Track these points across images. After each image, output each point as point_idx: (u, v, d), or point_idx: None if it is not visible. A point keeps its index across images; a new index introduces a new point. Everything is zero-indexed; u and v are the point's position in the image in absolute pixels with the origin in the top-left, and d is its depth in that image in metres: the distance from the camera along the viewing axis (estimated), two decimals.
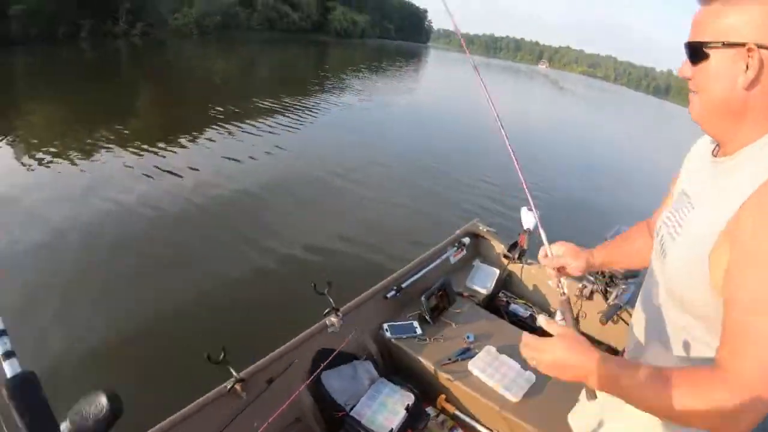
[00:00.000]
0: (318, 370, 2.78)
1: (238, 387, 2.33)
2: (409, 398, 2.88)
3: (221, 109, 18.30)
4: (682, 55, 1.25)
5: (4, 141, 12.30)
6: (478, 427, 2.94)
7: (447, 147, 17.21)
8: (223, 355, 2.27)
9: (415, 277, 3.90)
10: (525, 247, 4.40)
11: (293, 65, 46.41)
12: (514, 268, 4.61)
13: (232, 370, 2.34)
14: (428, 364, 3.14)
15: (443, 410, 3.09)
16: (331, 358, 2.83)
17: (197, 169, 10.83)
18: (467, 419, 3.00)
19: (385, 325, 3.40)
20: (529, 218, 4.08)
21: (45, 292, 5.54)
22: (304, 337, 2.84)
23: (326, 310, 2.94)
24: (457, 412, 3.03)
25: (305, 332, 2.87)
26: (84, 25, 55.39)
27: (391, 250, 7.64)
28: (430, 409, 3.09)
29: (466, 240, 4.63)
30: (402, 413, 2.77)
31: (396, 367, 3.41)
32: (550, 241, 1.77)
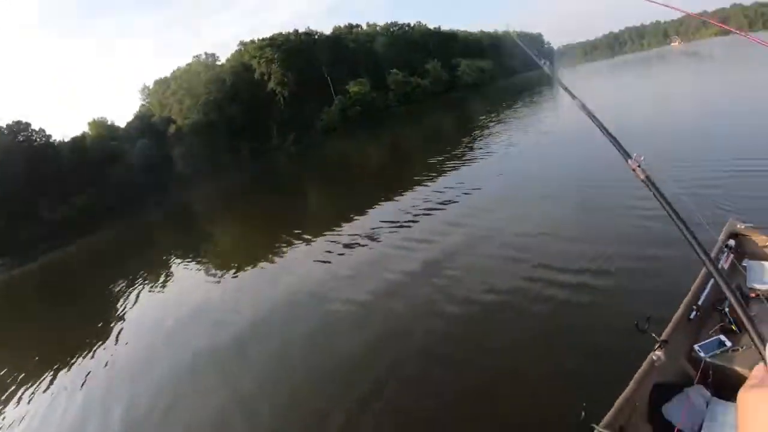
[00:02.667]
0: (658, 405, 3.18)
1: None
2: None
3: (394, 186, 18.39)
4: None
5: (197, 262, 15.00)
6: None
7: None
8: (583, 415, 2.73)
9: (705, 291, 4.02)
10: None
11: (442, 128, 44.17)
12: None
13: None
14: (748, 373, 1.96)
15: None
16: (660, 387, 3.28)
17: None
18: None
19: (696, 347, 3.53)
20: None
21: None
22: (641, 376, 3.08)
23: (656, 345, 3.23)
24: None
25: (640, 371, 3.14)
26: (243, 150, 61.75)
27: (665, 270, 6.97)
28: None
29: (731, 242, 4.68)
30: None
31: (721, 385, 3.35)
32: None
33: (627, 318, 3.63)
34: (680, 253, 7.69)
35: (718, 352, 3.47)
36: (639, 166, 1.81)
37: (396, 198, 16.96)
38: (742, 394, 0.80)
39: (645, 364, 3.12)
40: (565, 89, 3.17)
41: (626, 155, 1.88)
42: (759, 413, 0.75)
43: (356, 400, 5.97)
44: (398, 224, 14.05)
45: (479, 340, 6.55)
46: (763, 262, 4.57)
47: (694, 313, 3.81)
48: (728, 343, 3.51)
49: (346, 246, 12.90)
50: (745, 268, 4.51)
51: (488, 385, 5.68)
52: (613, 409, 2.90)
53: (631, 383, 3.00)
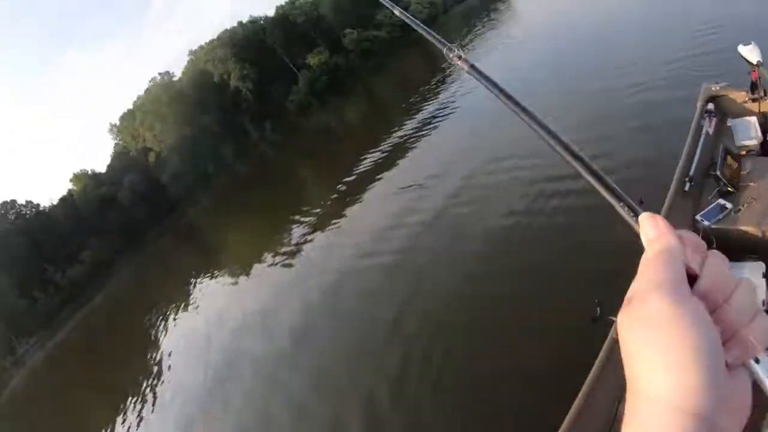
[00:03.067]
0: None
1: None
2: (760, 267, 2.94)
3: (382, 140, 18.45)
4: None
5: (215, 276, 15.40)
6: None
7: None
8: (599, 311, 3.01)
9: (695, 160, 4.03)
10: (766, 78, 4.30)
11: (410, 72, 43.40)
12: (766, 106, 4.45)
13: None
14: (754, 230, 3.19)
15: None
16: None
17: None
18: None
19: (698, 217, 3.57)
20: (751, 52, 4.15)
21: None
22: None
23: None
24: None
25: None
26: (226, 154, 61.26)
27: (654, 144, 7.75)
28: None
29: (710, 106, 4.70)
30: (763, 283, 2.79)
31: (727, 249, 2.60)
32: None
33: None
34: (664, 121, 8.44)
35: (720, 216, 3.48)
36: None
37: (384, 148, 16.93)
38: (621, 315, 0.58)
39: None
40: None
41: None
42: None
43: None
44: (390, 167, 14.04)
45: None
46: (746, 118, 4.48)
47: (688, 184, 3.81)
48: (729, 206, 3.52)
49: (351, 206, 12.87)
50: (730, 128, 4.49)
51: (508, 294, 6.09)
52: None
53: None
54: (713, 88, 4.90)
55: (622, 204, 0.68)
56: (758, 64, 4.39)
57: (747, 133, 4.36)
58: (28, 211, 66.11)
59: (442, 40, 1.79)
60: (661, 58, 12.02)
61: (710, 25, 12.65)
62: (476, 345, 5.89)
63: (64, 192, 73.44)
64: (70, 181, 74.96)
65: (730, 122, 4.63)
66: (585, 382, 3.10)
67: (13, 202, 65.32)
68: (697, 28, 12.73)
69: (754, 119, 4.39)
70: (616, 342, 3.12)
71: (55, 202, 70.74)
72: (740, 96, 4.75)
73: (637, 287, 0.57)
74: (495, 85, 1.34)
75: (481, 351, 5.75)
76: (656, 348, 0.49)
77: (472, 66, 1.61)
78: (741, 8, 13.11)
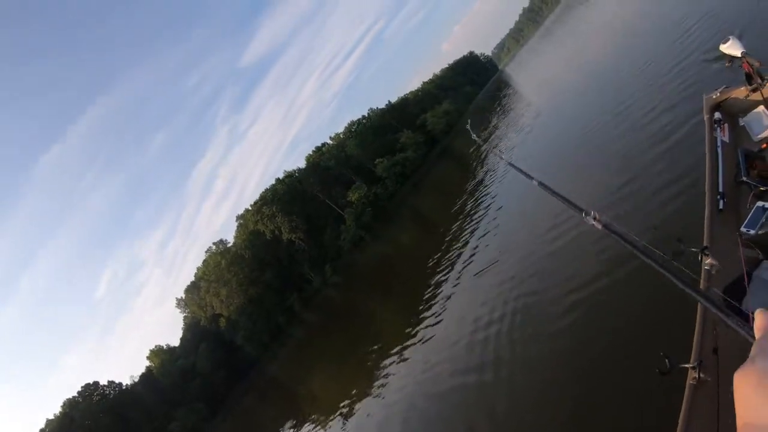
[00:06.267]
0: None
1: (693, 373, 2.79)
2: None
3: (440, 252, 18.64)
4: None
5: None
6: None
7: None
8: (667, 363, 2.67)
9: (720, 175, 3.86)
10: (757, 65, 4.22)
11: (446, 180, 44.90)
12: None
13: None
14: None
15: None
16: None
17: None
18: None
19: (742, 229, 3.39)
20: (734, 45, 4.17)
21: None
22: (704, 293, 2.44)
23: (700, 257, 3.11)
24: None
25: (701, 289, 2.66)
26: (293, 305, 62.72)
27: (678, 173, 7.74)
28: None
29: (717, 115, 4.53)
30: None
31: None
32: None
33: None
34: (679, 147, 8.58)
35: (763, 220, 3.33)
36: None
37: (445, 259, 17.27)
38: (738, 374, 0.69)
39: (702, 281, 2.91)
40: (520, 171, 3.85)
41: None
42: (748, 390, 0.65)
43: None
44: (455, 277, 14.28)
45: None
46: (754, 111, 4.40)
47: (721, 201, 3.68)
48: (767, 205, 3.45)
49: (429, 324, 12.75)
50: (744, 127, 4.40)
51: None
52: (695, 344, 2.81)
53: (699, 308, 2.81)
54: (713, 96, 4.80)
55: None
56: (743, 55, 4.32)
57: (761, 124, 4.22)
58: (111, 391, 67.31)
59: (578, 205, 2.21)
60: (653, 86, 12.58)
61: (682, 33, 13.61)
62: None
63: (142, 369, 75.60)
64: (147, 358, 77.33)
65: (741, 121, 4.50)
66: None
67: (96, 383, 66.71)
68: (673, 40, 13.68)
69: (762, 108, 4.26)
70: (696, 388, 2.87)
71: (136, 379, 72.53)
72: (741, 92, 4.61)
73: (760, 349, 0.67)
74: (623, 236, 1.81)
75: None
76: None
77: (605, 225, 1.97)
78: (702, 8, 14.11)
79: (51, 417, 62.32)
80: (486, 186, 22.32)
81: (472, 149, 37.28)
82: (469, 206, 21.21)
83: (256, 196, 79.34)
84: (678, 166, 7.93)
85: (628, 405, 5.04)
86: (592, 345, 6.41)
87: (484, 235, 15.64)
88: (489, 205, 18.61)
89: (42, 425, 62.51)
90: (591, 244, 8.16)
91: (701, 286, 2.98)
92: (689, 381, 2.99)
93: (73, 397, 63.62)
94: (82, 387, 64.93)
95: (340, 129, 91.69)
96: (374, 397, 12.60)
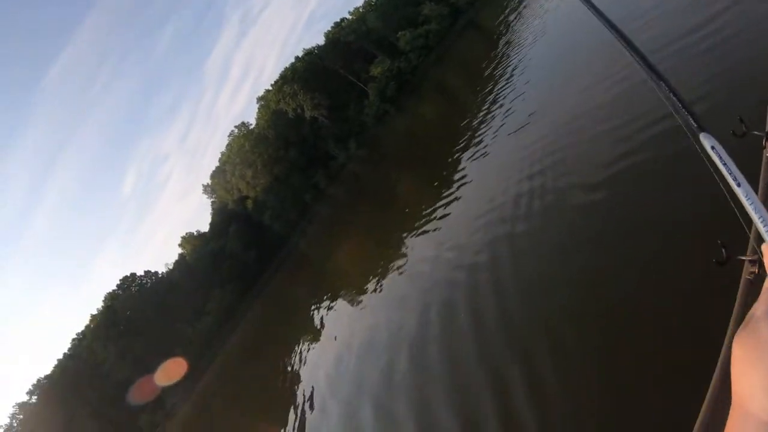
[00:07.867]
0: None
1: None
2: None
3: (465, 125, 17.95)
4: None
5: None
6: None
7: None
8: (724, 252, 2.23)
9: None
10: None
11: (470, 52, 42.28)
12: None
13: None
14: None
15: None
16: None
17: None
18: None
19: None
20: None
21: None
22: None
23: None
24: None
25: None
26: (319, 181, 63.25)
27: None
28: None
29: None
30: None
31: None
32: None
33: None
34: None
35: None
36: None
37: (470, 131, 16.58)
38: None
39: (762, 170, 2.57)
40: None
41: None
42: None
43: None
44: (482, 149, 13.48)
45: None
46: None
47: None
48: None
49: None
50: None
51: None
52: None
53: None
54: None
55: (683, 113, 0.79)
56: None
57: None
58: (148, 280, 71.26)
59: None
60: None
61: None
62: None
63: (175, 257, 79.44)
64: (179, 245, 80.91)
65: None
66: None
67: (133, 275, 70.36)
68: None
69: None
70: (752, 284, 2.46)
71: (171, 267, 76.56)
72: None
73: (754, 312, 0.64)
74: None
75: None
76: (762, 371, 0.56)
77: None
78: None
79: (94, 313, 66.55)
80: (510, 58, 20.81)
81: (498, 21, 34.40)
82: (495, 79, 19.84)
83: (275, 79, 76.91)
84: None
85: (677, 296, 4.54)
86: (639, 229, 5.78)
87: (515, 99, 14.70)
88: (513, 77, 17.44)
89: (88, 322, 66.99)
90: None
91: (762, 176, 2.75)
92: (745, 276, 2.77)
93: (113, 290, 67.31)
94: (120, 280, 68.82)
95: (359, 2, 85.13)
96: (400, 271, 12.40)
